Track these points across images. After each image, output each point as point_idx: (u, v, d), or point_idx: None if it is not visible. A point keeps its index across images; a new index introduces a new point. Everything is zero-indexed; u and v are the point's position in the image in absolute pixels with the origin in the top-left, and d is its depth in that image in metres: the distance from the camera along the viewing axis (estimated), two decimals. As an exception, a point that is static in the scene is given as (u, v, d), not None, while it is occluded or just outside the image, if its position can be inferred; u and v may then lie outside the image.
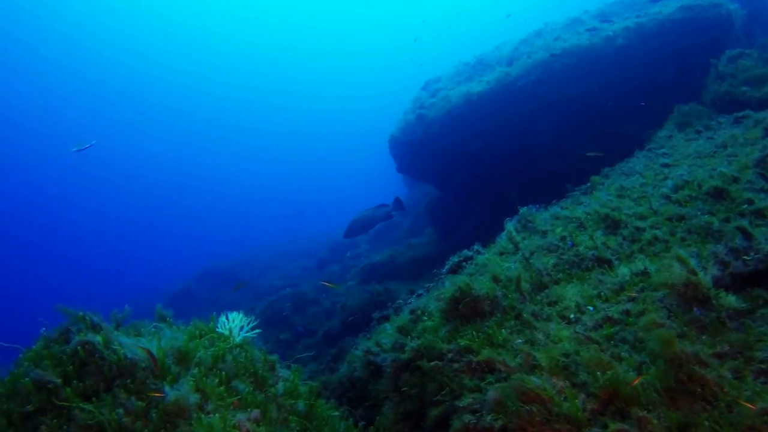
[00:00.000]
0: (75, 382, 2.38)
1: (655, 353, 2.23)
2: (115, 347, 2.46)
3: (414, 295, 5.32)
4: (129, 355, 2.44)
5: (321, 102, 67.55)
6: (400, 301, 5.83)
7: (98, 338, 2.52)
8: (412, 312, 3.93)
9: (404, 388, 3.19)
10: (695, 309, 2.40)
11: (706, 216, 3.37)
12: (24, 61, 53.30)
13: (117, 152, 60.52)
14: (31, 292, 39.74)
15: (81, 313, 2.88)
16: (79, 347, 2.46)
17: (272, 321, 14.49)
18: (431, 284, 5.20)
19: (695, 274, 2.51)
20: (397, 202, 9.25)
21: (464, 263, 4.86)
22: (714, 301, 2.37)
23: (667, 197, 3.93)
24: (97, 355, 2.45)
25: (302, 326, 13.50)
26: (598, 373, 2.28)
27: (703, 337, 2.26)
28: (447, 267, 5.04)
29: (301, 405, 2.91)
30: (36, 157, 56.76)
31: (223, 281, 25.81)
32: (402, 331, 3.88)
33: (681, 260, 2.48)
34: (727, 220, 3.23)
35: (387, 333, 4.18)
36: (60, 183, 57.84)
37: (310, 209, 37.44)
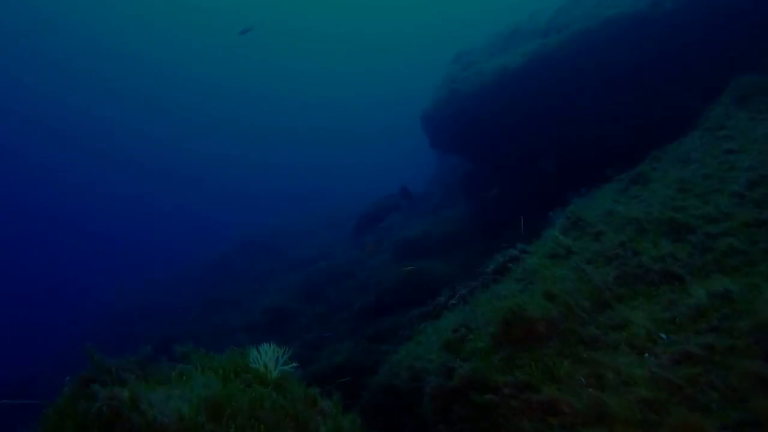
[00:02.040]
0: (101, 451, 2.22)
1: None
2: (143, 408, 2.28)
3: (456, 296, 5.05)
4: (159, 418, 2.25)
5: (353, 84, 67.00)
6: (441, 298, 5.58)
7: (125, 393, 2.34)
8: (455, 330, 3.66)
9: (456, 425, 2.95)
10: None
11: (797, 224, 2.92)
12: (33, 54, 54.08)
13: (164, 140, 61.96)
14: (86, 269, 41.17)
15: (96, 356, 2.73)
16: (104, 407, 2.28)
17: (308, 293, 14.69)
18: (475, 283, 4.91)
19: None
20: (403, 191, 8.97)
21: (510, 264, 4.54)
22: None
23: (740, 195, 3.48)
24: (123, 417, 2.27)
25: (338, 299, 13.64)
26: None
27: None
28: (491, 267, 4.74)
29: (347, 451, 2.71)
30: (81, 152, 58.45)
31: (258, 250, 26.16)
32: (448, 347, 3.62)
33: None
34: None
35: (431, 345, 3.95)
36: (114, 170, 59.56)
37: (340, 184, 37.60)
